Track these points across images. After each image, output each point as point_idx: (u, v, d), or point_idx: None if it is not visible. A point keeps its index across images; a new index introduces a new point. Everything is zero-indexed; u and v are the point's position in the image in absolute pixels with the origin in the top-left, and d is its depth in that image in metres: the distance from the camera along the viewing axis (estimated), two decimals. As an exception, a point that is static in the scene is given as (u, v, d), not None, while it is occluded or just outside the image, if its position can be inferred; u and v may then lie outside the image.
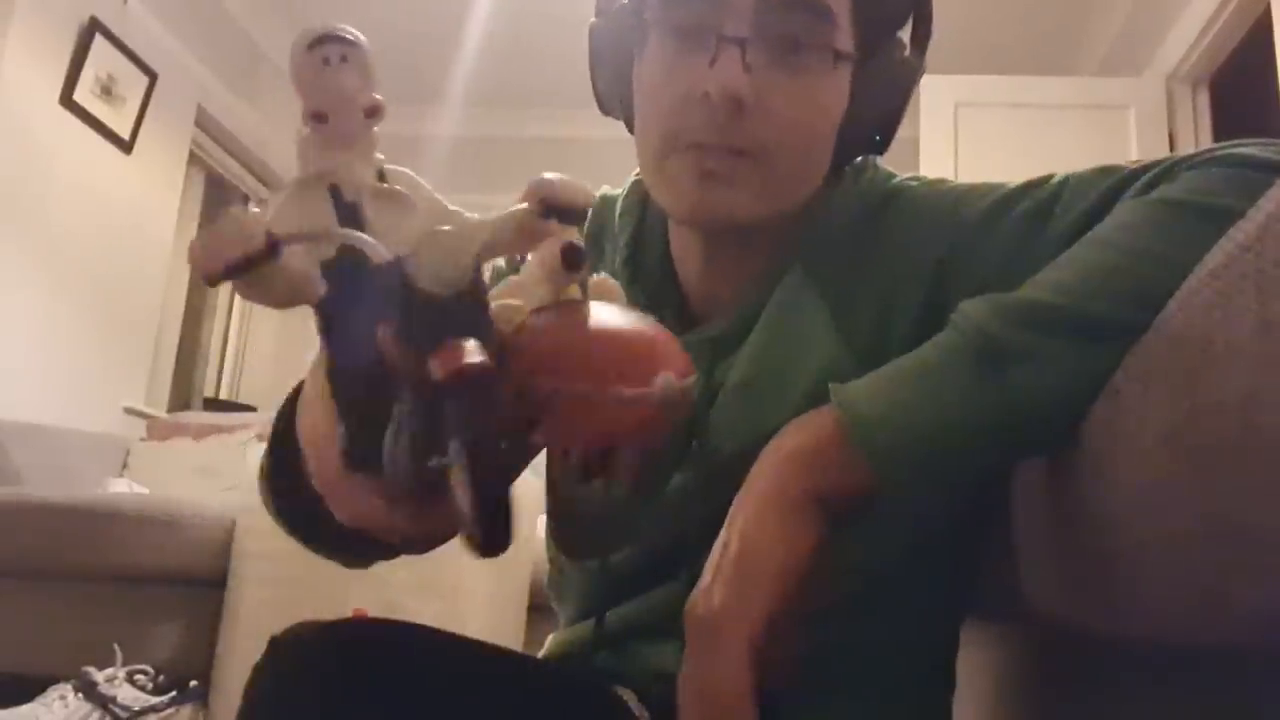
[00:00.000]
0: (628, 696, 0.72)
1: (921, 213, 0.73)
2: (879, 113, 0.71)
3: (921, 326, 0.67)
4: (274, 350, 4.49)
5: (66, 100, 3.09)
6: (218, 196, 4.42)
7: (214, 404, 4.13)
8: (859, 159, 0.77)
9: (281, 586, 2.06)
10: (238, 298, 4.87)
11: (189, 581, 2.21)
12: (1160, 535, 0.39)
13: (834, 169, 0.74)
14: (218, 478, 2.92)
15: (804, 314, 0.71)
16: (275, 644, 0.63)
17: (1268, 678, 0.45)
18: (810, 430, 0.56)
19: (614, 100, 0.77)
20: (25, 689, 1.77)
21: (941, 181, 0.77)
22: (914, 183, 0.77)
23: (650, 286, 0.79)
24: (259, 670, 0.63)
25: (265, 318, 4.51)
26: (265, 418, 3.31)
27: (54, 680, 1.79)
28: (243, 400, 4.26)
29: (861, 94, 0.70)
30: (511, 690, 0.67)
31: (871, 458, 0.53)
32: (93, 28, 3.15)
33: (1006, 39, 3.94)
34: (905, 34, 0.75)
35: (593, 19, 0.77)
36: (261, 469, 0.70)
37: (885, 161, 0.80)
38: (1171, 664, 0.55)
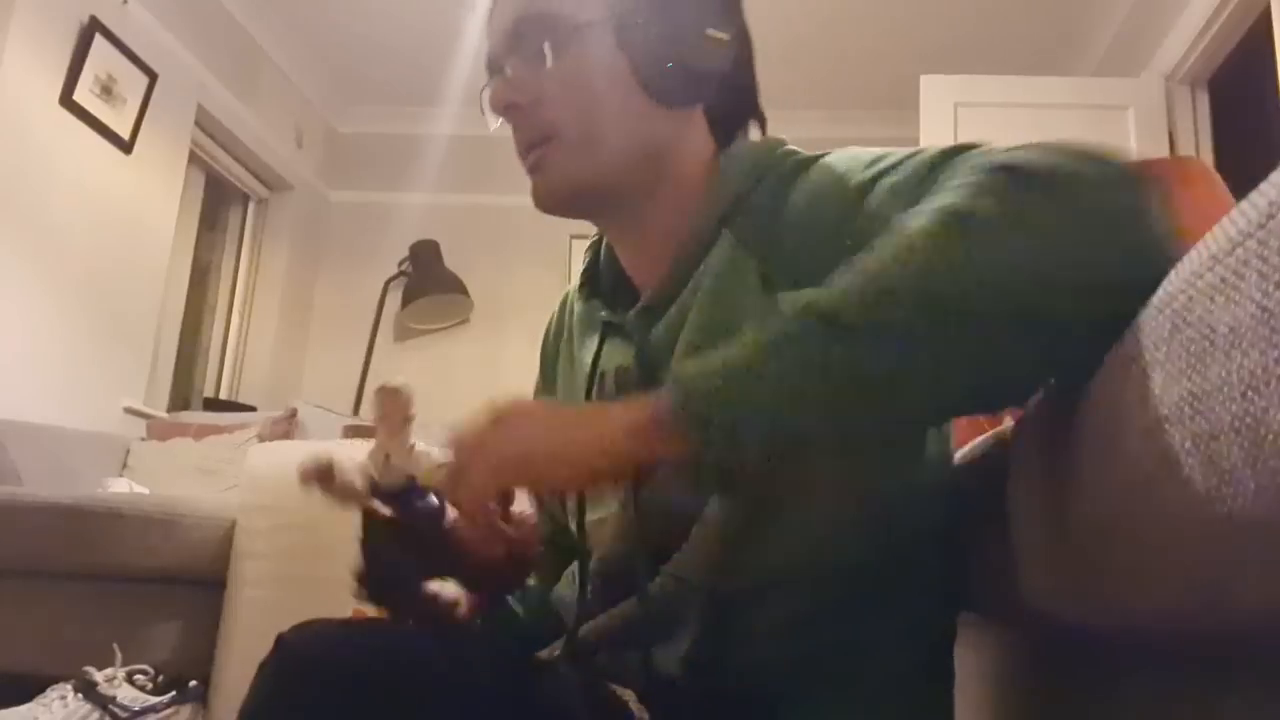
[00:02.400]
0: (627, 696, 0.72)
1: (824, 183, 0.76)
2: (661, 57, 0.78)
3: None
4: (274, 350, 4.48)
5: (66, 100, 3.09)
6: (217, 196, 4.42)
7: (214, 404, 4.12)
8: (769, 138, 0.84)
9: (281, 586, 2.06)
10: (237, 298, 4.81)
11: (189, 581, 2.21)
12: (1160, 515, 0.39)
13: (718, 134, 0.84)
14: (218, 478, 2.92)
15: (739, 286, 0.75)
16: (281, 642, 0.64)
17: (1266, 678, 0.45)
18: (647, 406, 0.59)
19: None
20: (25, 689, 1.77)
21: (857, 151, 0.77)
22: (829, 155, 0.79)
23: (608, 296, 0.89)
24: (264, 669, 0.63)
25: (265, 318, 4.51)
26: (265, 417, 3.30)
27: (54, 680, 1.78)
28: (243, 400, 4.25)
29: (641, 43, 0.78)
30: (513, 688, 0.68)
31: (691, 431, 0.56)
32: (92, 28, 3.15)
33: (1006, 39, 3.94)
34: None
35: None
36: None
37: None
38: (1171, 664, 0.55)
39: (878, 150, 0.75)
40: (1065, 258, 0.53)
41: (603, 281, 0.90)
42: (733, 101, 0.84)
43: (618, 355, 0.84)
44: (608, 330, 0.85)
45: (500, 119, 0.81)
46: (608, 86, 0.78)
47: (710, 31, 0.79)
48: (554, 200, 0.81)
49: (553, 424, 0.63)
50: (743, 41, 0.83)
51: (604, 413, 0.62)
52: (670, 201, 0.81)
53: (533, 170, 0.80)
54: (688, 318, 0.77)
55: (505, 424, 0.63)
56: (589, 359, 0.87)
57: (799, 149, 0.82)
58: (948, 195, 0.58)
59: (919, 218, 0.57)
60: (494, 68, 0.82)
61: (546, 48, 0.78)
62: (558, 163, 0.79)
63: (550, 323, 1.00)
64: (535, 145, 0.79)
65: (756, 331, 0.58)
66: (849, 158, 0.76)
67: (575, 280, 0.94)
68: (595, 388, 0.85)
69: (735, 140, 0.84)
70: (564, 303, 0.98)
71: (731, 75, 0.81)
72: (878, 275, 0.55)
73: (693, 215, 0.80)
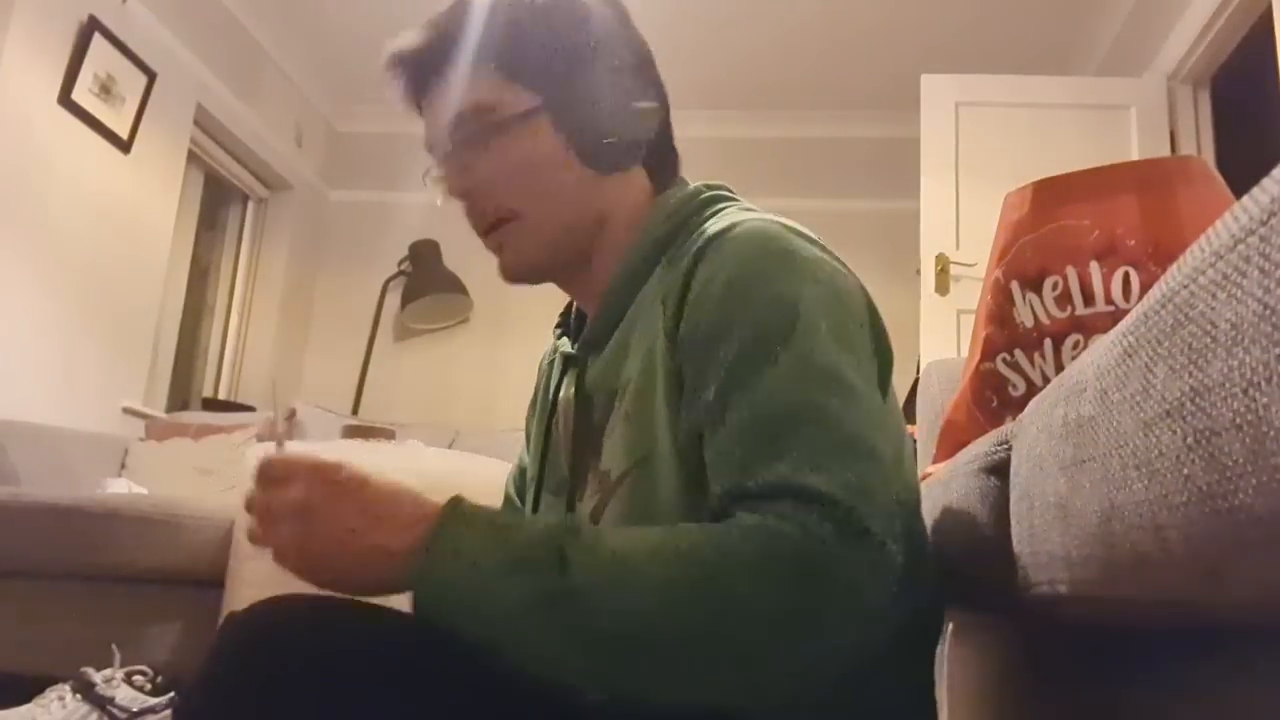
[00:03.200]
0: None
1: (692, 245, 0.79)
2: (597, 131, 0.84)
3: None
4: (273, 350, 4.48)
5: (65, 99, 3.09)
6: (216, 196, 4.42)
7: (213, 404, 4.13)
8: (695, 185, 0.89)
9: (280, 587, 2.05)
10: (236, 298, 4.80)
11: (188, 582, 2.21)
12: (1161, 510, 0.39)
13: (656, 183, 0.89)
14: (216, 478, 2.91)
15: (655, 350, 0.78)
16: (230, 621, 0.65)
17: (1263, 676, 0.45)
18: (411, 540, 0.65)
19: None
20: (24, 689, 1.77)
21: (747, 267, 0.76)
22: (737, 234, 0.78)
23: (574, 331, 0.96)
24: (223, 642, 0.65)
25: (265, 318, 4.51)
26: (263, 418, 3.30)
27: (52, 681, 1.78)
28: (242, 400, 4.26)
29: (572, 123, 0.83)
30: (470, 670, 0.66)
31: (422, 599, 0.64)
32: (91, 27, 3.15)
33: (1007, 38, 3.94)
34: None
35: None
36: None
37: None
38: (1168, 663, 0.54)
39: (761, 249, 0.76)
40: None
41: (573, 317, 0.98)
42: (663, 152, 0.91)
43: (570, 388, 0.91)
44: (568, 362, 0.92)
45: (448, 198, 0.89)
46: (554, 168, 0.85)
47: (638, 105, 0.86)
48: (521, 277, 0.89)
49: (339, 537, 0.67)
50: (663, 99, 0.90)
51: (379, 542, 0.66)
52: (609, 250, 0.88)
53: (496, 251, 0.88)
54: (623, 369, 0.82)
55: (306, 517, 0.68)
56: (553, 390, 0.95)
57: (723, 192, 0.88)
58: (736, 541, 0.62)
59: (695, 546, 0.62)
60: (435, 151, 0.89)
61: (492, 138, 0.84)
62: (519, 243, 0.87)
63: (545, 352, 1.06)
64: (494, 227, 0.86)
65: (519, 540, 0.64)
66: (738, 271, 0.75)
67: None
68: (553, 419, 0.93)
69: (672, 185, 0.91)
70: (551, 353, 1.05)
71: (659, 133, 0.89)
72: (632, 570, 0.61)
73: (621, 258, 0.86)
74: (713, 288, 0.74)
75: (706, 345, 0.72)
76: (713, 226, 0.80)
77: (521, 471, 1.08)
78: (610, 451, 0.81)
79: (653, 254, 0.84)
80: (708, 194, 0.88)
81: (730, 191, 0.90)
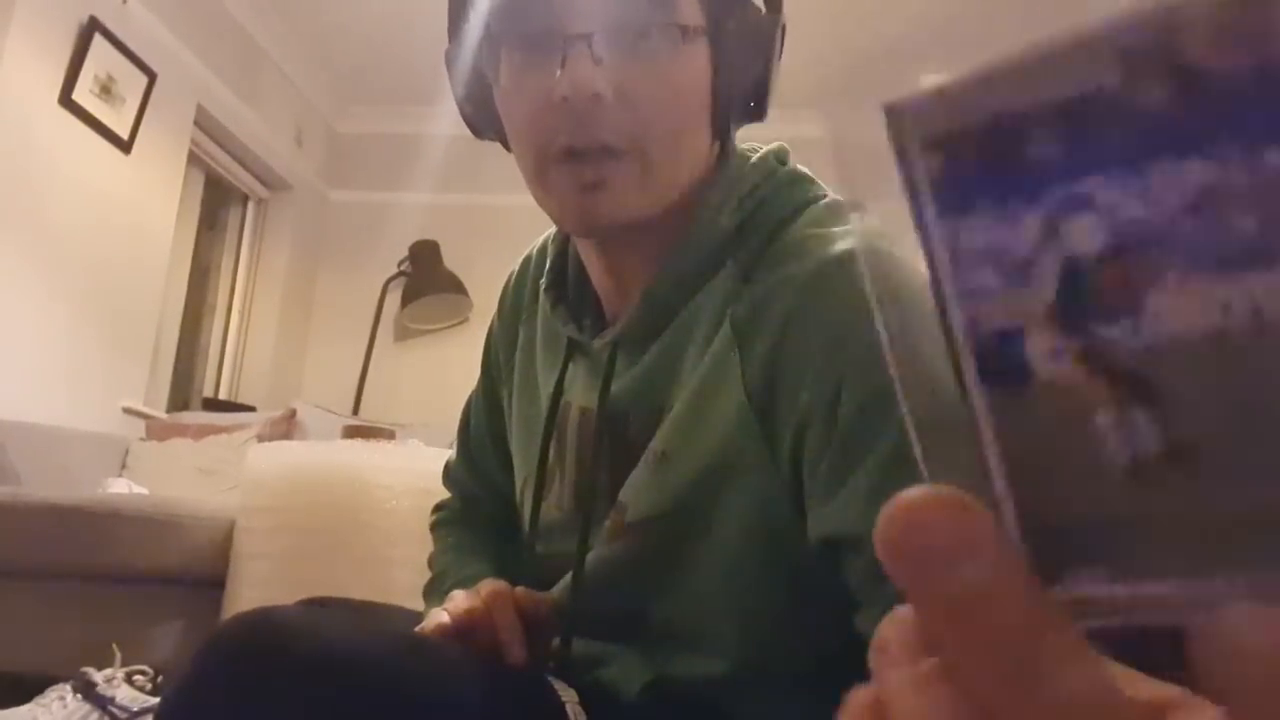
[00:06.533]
0: (568, 697, 0.69)
1: (782, 285, 0.65)
2: (746, 78, 0.70)
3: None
4: (274, 350, 4.48)
5: (66, 100, 3.08)
6: (217, 196, 4.42)
7: (213, 404, 4.12)
8: (765, 154, 0.75)
9: (280, 587, 2.06)
10: (237, 298, 4.79)
11: (188, 582, 2.21)
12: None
13: (722, 148, 0.73)
14: (217, 478, 2.92)
15: (723, 388, 0.66)
16: (228, 628, 0.62)
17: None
18: None
19: (484, 123, 0.76)
20: (24, 689, 1.77)
21: (827, 248, 0.65)
22: (803, 225, 0.69)
23: (573, 302, 0.80)
24: (211, 651, 0.61)
25: (265, 318, 4.51)
26: (264, 417, 3.30)
27: (53, 681, 1.78)
28: (242, 400, 4.25)
29: (723, 63, 0.69)
30: (442, 682, 0.64)
31: None
32: (92, 27, 3.15)
33: (1007, 39, 3.94)
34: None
35: (446, 46, 0.75)
36: None
37: None
38: (1167, 660, 0.54)
39: (836, 255, 0.64)
40: None
41: (570, 286, 0.81)
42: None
43: (582, 388, 0.78)
44: (572, 349, 0.78)
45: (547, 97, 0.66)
46: (699, 109, 0.68)
47: (777, 60, 0.71)
48: (603, 229, 0.70)
49: None
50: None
51: None
52: (671, 220, 0.71)
53: (590, 187, 0.66)
54: (669, 392, 0.69)
55: None
56: (552, 381, 0.79)
57: (799, 170, 0.76)
58: None
59: None
60: (575, 26, 0.65)
61: (662, 44, 0.66)
62: (627, 188, 0.67)
63: (505, 294, 0.90)
64: (597, 157, 0.66)
65: None
66: (802, 278, 0.64)
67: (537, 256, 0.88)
68: (559, 418, 0.79)
69: (727, 138, 0.73)
70: (520, 279, 0.89)
71: None
72: None
73: (675, 248, 0.70)
74: (819, 360, 0.60)
75: (824, 426, 0.59)
76: (798, 254, 0.65)
77: (469, 454, 0.95)
78: (634, 488, 0.70)
79: (717, 253, 0.69)
80: (783, 172, 0.74)
81: (802, 168, 0.75)
